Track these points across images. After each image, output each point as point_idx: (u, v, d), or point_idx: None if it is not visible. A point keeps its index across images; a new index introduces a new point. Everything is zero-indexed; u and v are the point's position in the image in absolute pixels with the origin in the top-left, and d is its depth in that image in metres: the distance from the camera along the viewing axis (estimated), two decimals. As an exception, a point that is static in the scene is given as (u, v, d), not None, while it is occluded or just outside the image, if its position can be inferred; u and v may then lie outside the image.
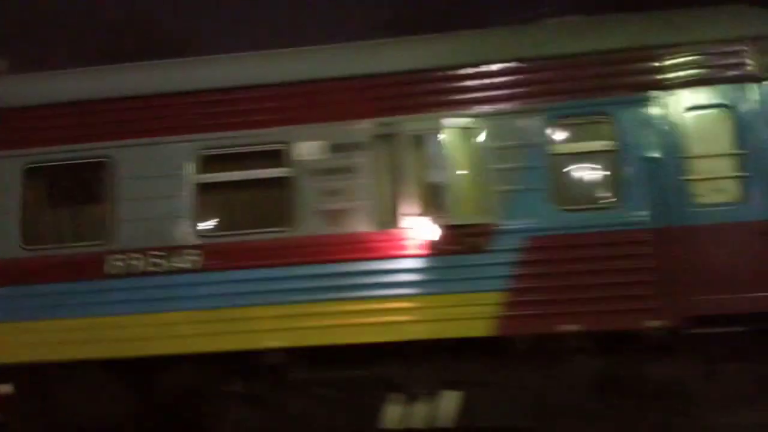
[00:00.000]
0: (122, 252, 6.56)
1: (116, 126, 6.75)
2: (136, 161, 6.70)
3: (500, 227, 6.22)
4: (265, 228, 6.50)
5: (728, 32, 6.33)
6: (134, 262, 6.54)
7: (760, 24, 6.32)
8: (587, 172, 6.38)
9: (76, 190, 6.93)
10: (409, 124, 6.44)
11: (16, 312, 6.55)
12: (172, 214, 6.57)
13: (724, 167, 6.19)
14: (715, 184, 6.16)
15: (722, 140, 6.21)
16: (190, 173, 6.63)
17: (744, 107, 6.19)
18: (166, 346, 6.36)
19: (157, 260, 6.52)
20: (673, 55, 6.31)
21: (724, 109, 6.23)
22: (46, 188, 6.95)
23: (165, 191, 6.62)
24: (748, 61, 6.25)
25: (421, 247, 6.29)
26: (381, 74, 6.56)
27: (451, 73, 6.51)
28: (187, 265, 6.48)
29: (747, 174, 6.09)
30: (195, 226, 6.56)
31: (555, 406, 6.20)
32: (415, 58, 6.58)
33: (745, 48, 6.27)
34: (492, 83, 6.45)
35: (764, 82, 6.20)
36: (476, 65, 6.48)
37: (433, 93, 6.48)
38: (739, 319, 5.99)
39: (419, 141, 6.44)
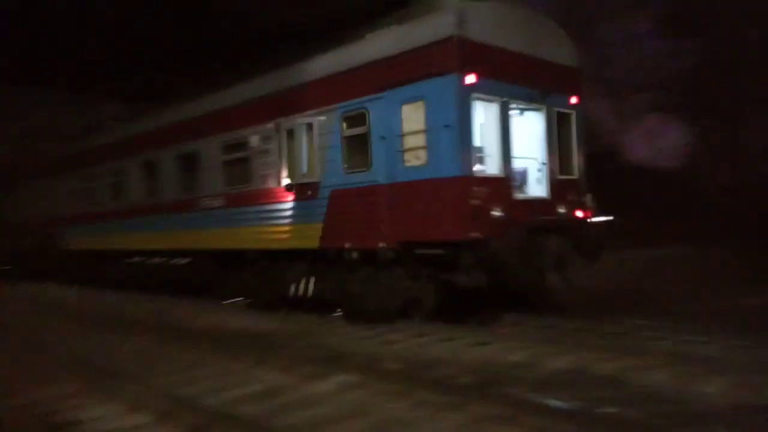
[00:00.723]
0: (204, 197, 13.02)
1: (200, 130, 13.05)
2: (206, 150, 12.92)
3: (321, 184, 10.31)
4: (243, 185, 11.98)
5: (422, 39, 8.71)
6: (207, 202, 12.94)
7: (449, 30, 8.44)
8: (357, 148, 9.76)
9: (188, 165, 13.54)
10: (283, 122, 10.89)
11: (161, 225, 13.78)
12: (214, 178, 12.65)
13: (419, 141, 8.84)
14: (415, 154, 8.91)
15: (419, 122, 8.83)
16: (221, 156, 12.52)
17: (431, 96, 8.64)
18: (214, 244, 12.64)
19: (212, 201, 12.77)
20: (392, 62, 9.08)
21: (420, 99, 8.79)
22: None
23: (214, 166, 12.70)
24: (437, 60, 8.56)
25: (290, 196, 10.86)
26: (271, 94, 11.11)
27: (297, 89, 10.63)
28: (220, 204, 12.55)
29: (430, 145, 8.68)
30: (223, 184, 12.49)
31: (348, 291, 10.18)
32: (280, 82, 10.90)
33: (435, 50, 8.59)
34: (314, 93, 10.32)
35: (448, 75, 8.47)
36: (306, 83, 10.44)
37: (290, 103, 10.73)
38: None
39: (290, 133, 10.83)
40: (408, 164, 9.03)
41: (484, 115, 9.26)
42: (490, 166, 9.09)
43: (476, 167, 8.76)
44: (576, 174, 10.31)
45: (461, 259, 8.59)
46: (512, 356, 7.53)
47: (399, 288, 9.62)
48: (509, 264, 8.44)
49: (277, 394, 6.34)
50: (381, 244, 9.38)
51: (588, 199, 10.33)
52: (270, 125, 11.27)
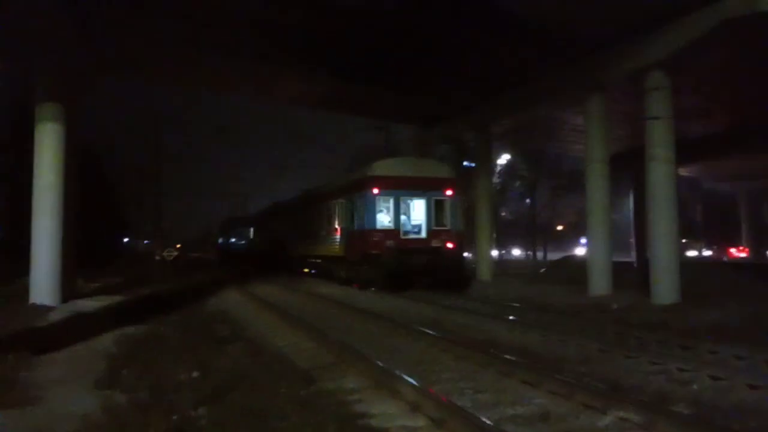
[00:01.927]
0: (319, 230, 27.63)
1: (315, 200, 27.73)
2: (319, 209, 27.50)
3: (344, 229, 23.99)
4: (329, 225, 26.15)
5: (361, 176, 21.99)
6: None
7: (369, 173, 21.61)
8: (350, 214, 23.15)
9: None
10: (336, 201, 24.84)
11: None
12: (322, 221, 27.15)
13: (361, 214, 22.02)
14: (360, 219, 22.09)
15: (362, 207, 22.00)
16: (325, 212, 26.97)
17: (365, 197, 21.76)
18: (323, 252, 27.05)
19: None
20: (356, 182, 22.47)
21: (362, 197, 21.97)
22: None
23: (323, 217, 27.24)
24: (364, 184, 21.69)
25: (338, 233, 24.70)
26: (335, 187, 25.24)
27: (339, 187, 24.57)
28: (324, 234, 27.00)
29: (363, 216, 21.82)
30: (325, 224, 26.88)
31: (350, 275, 23.52)
32: (334, 184, 24.97)
33: (365, 180, 21.75)
34: (342, 190, 24.12)
35: (368, 190, 21.55)
36: (340, 186, 24.35)
37: (337, 193, 24.68)
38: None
39: (338, 206, 24.72)
40: (358, 223, 22.27)
41: (387, 204, 22.00)
42: (389, 224, 21.84)
43: (380, 224, 21.63)
44: (448, 226, 22.29)
45: (375, 262, 21.59)
46: None
47: (364, 274, 22.75)
48: (389, 265, 21.13)
49: (551, 420, 6.05)
50: (354, 256, 22.74)
51: (455, 237, 22.25)
52: (333, 201, 25.31)
